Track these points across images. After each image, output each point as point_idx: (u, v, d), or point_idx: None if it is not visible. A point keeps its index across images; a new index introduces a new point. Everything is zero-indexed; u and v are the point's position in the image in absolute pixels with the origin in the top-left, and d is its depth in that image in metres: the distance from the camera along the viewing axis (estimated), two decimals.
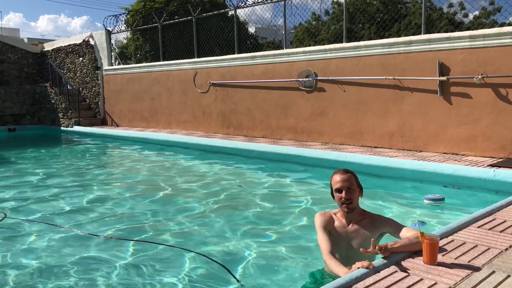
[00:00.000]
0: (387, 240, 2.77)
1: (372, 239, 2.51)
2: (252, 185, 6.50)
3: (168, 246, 3.96)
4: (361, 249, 2.46)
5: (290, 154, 7.62)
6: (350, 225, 2.83)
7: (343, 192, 2.76)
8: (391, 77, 7.36)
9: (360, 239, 2.78)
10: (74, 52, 15.24)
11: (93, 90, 14.68)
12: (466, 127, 6.68)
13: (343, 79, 8.10)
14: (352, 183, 2.78)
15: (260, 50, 10.89)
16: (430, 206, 4.96)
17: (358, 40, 8.51)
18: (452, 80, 6.74)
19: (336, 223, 2.86)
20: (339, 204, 2.82)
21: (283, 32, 9.95)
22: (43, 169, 8.18)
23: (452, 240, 2.86)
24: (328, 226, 2.83)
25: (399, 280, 2.26)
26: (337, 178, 2.80)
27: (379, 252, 2.45)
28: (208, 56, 11.19)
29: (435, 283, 2.22)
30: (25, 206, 5.55)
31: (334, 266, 2.58)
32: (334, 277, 2.55)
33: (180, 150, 9.76)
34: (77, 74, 15.20)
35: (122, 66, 13.91)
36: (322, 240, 2.76)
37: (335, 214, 2.91)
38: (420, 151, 7.10)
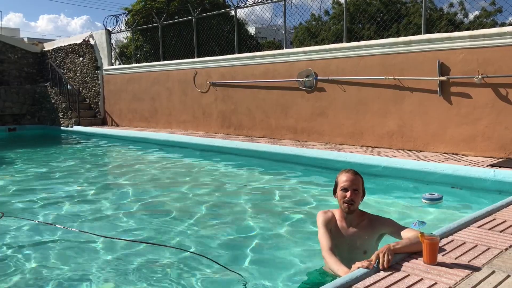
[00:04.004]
0: (387, 241, 2.77)
1: (368, 260, 2.42)
2: (252, 185, 6.50)
3: (168, 247, 3.96)
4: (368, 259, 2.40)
5: (290, 154, 7.62)
6: (350, 227, 2.83)
7: (349, 192, 2.76)
8: (391, 77, 7.36)
9: (361, 241, 2.78)
10: (74, 52, 15.23)
11: (93, 90, 14.68)
12: (466, 127, 6.67)
13: (343, 79, 8.10)
14: (359, 186, 2.79)
15: (260, 50, 10.88)
16: (428, 205, 4.95)
17: (358, 40, 8.51)
18: (452, 80, 6.73)
19: (338, 223, 2.86)
20: (340, 202, 2.82)
21: (283, 32, 9.95)
22: (42, 169, 8.18)
23: (452, 240, 2.86)
24: (330, 225, 2.83)
25: (399, 280, 2.26)
26: (346, 177, 2.79)
27: (384, 259, 2.38)
28: (208, 56, 11.19)
29: (435, 283, 2.22)
30: (23, 206, 5.55)
31: (333, 263, 2.57)
32: (334, 276, 2.54)
33: (180, 150, 9.75)
34: (77, 74, 15.19)
35: (122, 66, 13.90)
36: (323, 237, 2.75)
37: (336, 214, 2.91)
38: (420, 151, 7.10)
